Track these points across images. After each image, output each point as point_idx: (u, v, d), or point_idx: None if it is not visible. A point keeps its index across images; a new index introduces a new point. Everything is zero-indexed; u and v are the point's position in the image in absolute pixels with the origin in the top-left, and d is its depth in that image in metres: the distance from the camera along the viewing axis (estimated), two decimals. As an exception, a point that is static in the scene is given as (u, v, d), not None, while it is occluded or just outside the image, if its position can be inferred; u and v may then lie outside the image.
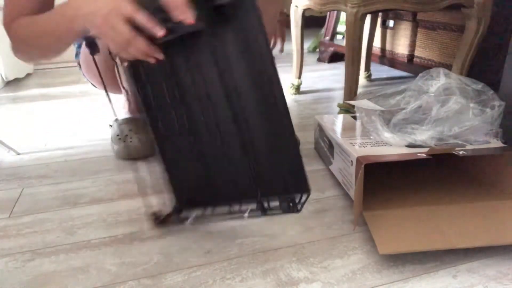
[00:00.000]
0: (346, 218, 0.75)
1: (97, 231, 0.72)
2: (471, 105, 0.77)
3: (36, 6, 0.67)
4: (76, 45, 1.01)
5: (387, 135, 0.79)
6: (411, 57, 1.71)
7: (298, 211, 0.65)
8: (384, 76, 1.90)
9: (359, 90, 1.31)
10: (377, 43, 1.89)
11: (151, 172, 0.91)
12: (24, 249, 0.68)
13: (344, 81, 1.24)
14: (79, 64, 1.02)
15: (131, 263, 0.64)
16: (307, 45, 2.62)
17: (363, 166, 0.68)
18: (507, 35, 1.35)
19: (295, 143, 0.62)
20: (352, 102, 0.93)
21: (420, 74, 0.85)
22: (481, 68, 1.43)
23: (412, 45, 1.69)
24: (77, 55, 1.01)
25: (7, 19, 0.67)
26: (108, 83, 1.01)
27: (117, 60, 0.61)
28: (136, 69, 0.62)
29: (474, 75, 1.35)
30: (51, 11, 0.64)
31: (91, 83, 1.06)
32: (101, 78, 0.76)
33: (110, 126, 1.12)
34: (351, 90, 1.24)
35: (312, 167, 0.96)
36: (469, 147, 0.74)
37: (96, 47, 0.61)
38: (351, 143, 0.80)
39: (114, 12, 0.51)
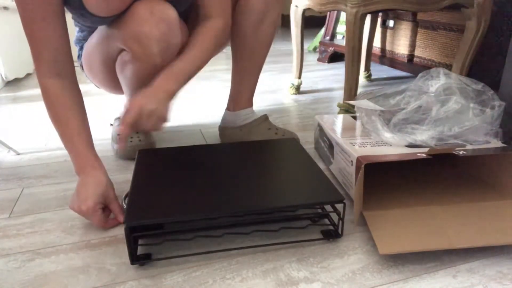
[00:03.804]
0: (346, 218, 0.75)
1: (97, 231, 0.72)
2: (471, 105, 0.77)
3: (57, 45, 0.74)
4: (78, 47, 1.01)
5: (387, 135, 0.79)
6: (411, 57, 1.71)
7: (340, 235, 0.69)
8: (384, 76, 1.90)
9: (359, 90, 1.31)
10: (377, 43, 1.89)
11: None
12: (24, 249, 0.68)
13: (344, 81, 1.24)
14: (81, 65, 1.02)
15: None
16: (307, 45, 2.62)
17: (363, 166, 0.68)
18: (507, 35, 1.35)
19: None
20: (352, 102, 0.93)
21: (420, 74, 0.85)
22: (481, 68, 1.43)
23: (412, 45, 1.70)
24: (79, 56, 1.02)
25: (39, 73, 0.75)
26: (109, 84, 1.02)
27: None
28: None
29: (474, 75, 1.35)
30: (69, 141, 0.75)
31: (94, 84, 1.07)
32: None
33: (111, 125, 1.13)
34: (351, 90, 1.24)
35: (312, 167, 0.96)
36: (469, 147, 0.74)
37: None
38: (351, 143, 0.80)
39: (84, 212, 0.71)
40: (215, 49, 0.86)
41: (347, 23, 1.16)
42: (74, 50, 1.02)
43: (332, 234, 0.69)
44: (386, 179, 0.82)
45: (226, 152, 0.84)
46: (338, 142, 0.84)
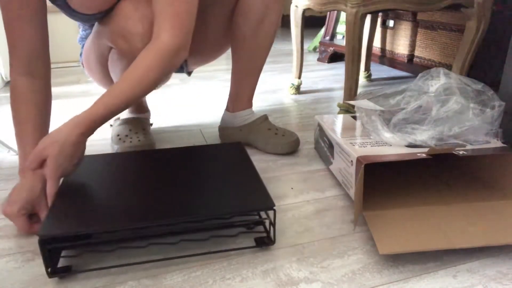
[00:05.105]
0: (346, 218, 0.75)
1: (97, 231, 0.72)
2: (471, 105, 0.77)
3: (32, 45, 0.75)
4: (81, 45, 1.02)
5: (387, 135, 0.79)
6: (411, 57, 1.71)
7: (272, 242, 0.67)
8: (384, 76, 1.90)
9: (359, 90, 1.31)
10: (377, 43, 1.89)
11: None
12: (24, 249, 0.68)
13: (344, 81, 1.24)
14: (82, 63, 1.03)
15: (131, 263, 0.64)
16: (307, 45, 2.62)
17: (363, 166, 0.68)
18: (507, 35, 1.35)
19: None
20: (352, 102, 0.93)
21: (420, 74, 0.85)
22: (481, 68, 1.43)
23: (412, 45, 1.69)
24: (81, 54, 1.02)
25: (11, 69, 0.76)
26: (106, 82, 1.02)
27: None
28: None
29: (474, 75, 1.35)
30: (21, 139, 0.75)
31: (96, 83, 1.07)
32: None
33: (111, 125, 1.12)
34: (351, 90, 1.24)
35: (312, 167, 0.96)
36: (469, 147, 0.74)
37: None
38: (351, 143, 0.80)
39: (9, 212, 0.69)
40: (159, 76, 0.74)
41: (347, 23, 1.16)
42: (73, 50, 1.02)
43: (265, 241, 0.67)
44: (386, 179, 0.82)
45: (165, 158, 0.82)
46: (338, 142, 0.84)
